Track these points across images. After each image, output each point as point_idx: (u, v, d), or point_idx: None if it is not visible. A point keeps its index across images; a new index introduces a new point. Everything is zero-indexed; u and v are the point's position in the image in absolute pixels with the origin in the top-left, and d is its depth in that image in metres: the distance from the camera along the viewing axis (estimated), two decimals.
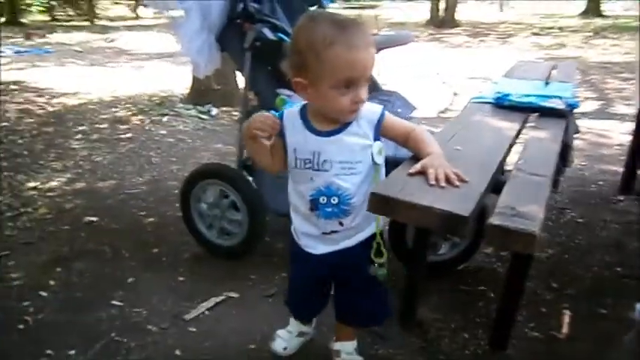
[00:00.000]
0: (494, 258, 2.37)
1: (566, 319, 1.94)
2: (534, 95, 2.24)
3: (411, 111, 2.34)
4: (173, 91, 6.05)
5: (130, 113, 5.22)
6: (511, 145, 1.82)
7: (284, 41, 2.07)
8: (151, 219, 2.83)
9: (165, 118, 4.98)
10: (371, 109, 1.33)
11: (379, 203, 1.27)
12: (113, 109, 5.42)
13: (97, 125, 4.83)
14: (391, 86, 2.71)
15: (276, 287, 2.13)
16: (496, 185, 1.45)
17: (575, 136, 2.30)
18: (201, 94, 5.31)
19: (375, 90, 2.41)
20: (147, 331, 1.90)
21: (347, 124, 1.30)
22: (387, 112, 1.36)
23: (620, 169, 3.23)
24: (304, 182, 1.35)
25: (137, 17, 21.04)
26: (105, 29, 15.84)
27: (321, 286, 1.58)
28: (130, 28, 16.05)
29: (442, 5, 17.06)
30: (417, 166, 1.34)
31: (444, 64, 8.50)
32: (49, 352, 1.79)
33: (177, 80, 6.56)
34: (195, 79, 5.29)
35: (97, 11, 21.51)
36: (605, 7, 19.17)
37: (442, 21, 16.28)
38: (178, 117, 5.01)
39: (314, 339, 1.82)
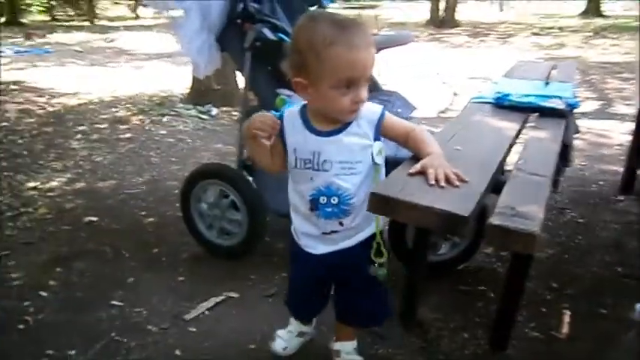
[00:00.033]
0: (495, 258, 2.37)
1: (566, 319, 1.94)
2: (534, 95, 2.24)
3: (411, 111, 2.34)
4: (173, 91, 6.05)
5: (130, 113, 5.22)
6: (511, 145, 1.82)
7: (284, 41, 2.07)
8: (151, 219, 2.83)
9: (165, 118, 4.98)
10: (371, 109, 1.33)
11: (379, 203, 1.27)
12: (113, 109, 5.43)
13: (97, 125, 4.83)
14: (391, 86, 2.71)
15: (276, 287, 2.13)
16: (496, 185, 1.45)
17: (575, 136, 2.30)
18: (201, 94, 5.31)
19: (375, 90, 2.41)
20: (147, 331, 1.90)
21: (347, 124, 1.30)
22: (387, 112, 1.36)
23: (621, 169, 3.23)
24: (304, 182, 1.35)
25: (137, 17, 21.06)
26: (105, 29, 15.86)
27: (321, 286, 1.58)
28: (129, 28, 16.06)
29: (442, 5, 17.06)
30: (417, 166, 1.34)
31: (444, 64, 8.50)
32: (49, 352, 1.79)
33: (177, 80, 6.56)
34: (195, 79, 5.29)
35: (97, 11, 21.56)
36: (605, 7, 19.17)
37: (442, 21, 16.29)
38: (178, 117, 5.01)
39: (314, 339, 1.81)
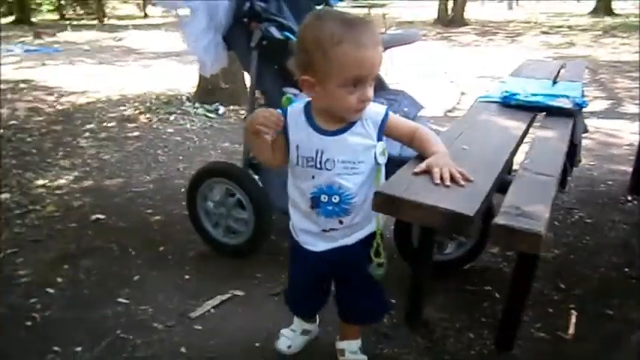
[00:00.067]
0: (501, 258, 2.36)
1: (573, 319, 1.92)
2: (542, 94, 2.23)
3: (419, 110, 2.33)
4: (181, 89, 6.07)
5: (137, 112, 5.24)
6: (518, 145, 1.81)
7: (290, 40, 2.07)
8: (158, 217, 2.84)
9: (172, 117, 4.99)
10: (375, 110, 1.33)
11: (384, 202, 1.27)
12: (121, 108, 5.45)
13: (105, 124, 4.86)
14: (399, 85, 2.70)
15: (282, 286, 2.12)
16: (502, 185, 1.44)
17: (583, 135, 2.29)
18: (208, 92, 5.32)
19: (382, 89, 2.41)
20: (153, 328, 1.91)
21: (351, 124, 1.30)
22: (391, 113, 1.35)
23: (630, 169, 3.20)
24: (305, 180, 1.35)
25: (145, 16, 21.15)
26: (113, 28, 15.94)
27: (320, 283, 1.58)
28: (138, 27, 16.12)
29: (450, 4, 16.99)
30: (422, 166, 1.34)
31: (452, 62, 8.47)
32: (55, 348, 1.80)
33: (185, 79, 6.58)
34: (202, 78, 5.30)
35: (106, 10, 21.63)
36: (616, 5, 19.00)
37: (451, 20, 16.23)
38: (186, 115, 5.02)
39: (319, 337, 1.82)
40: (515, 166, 1.87)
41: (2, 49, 9.66)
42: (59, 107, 5.55)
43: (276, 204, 2.22)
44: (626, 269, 2.27)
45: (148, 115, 5.08)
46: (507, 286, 1.67)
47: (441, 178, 1.28)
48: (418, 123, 1.48)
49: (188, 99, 5.52)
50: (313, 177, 1.33)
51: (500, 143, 1.74)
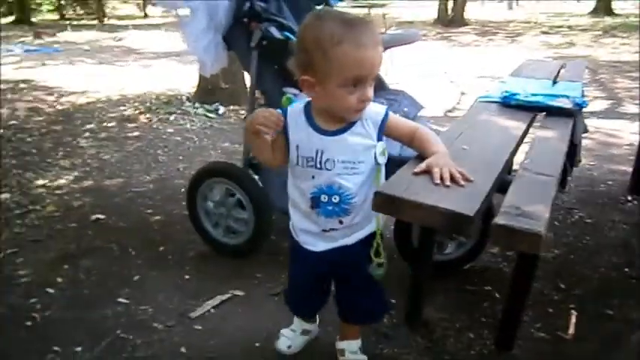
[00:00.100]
0: (501, 258, 2.36)
1: (573, 319, 1.92)
2: (542, 94, 2.23)
3: (418, 110, 2.33)
4: (181, 89, 6.07)
5: (137, 112, 5.24)
6: (518, 145, 1.81)
7: (290, 40, 2.07)
8: (158, 217, 2.84)
9: (172, 117, 4.99)
10: (375, 110, 1.32)
11: (384, 202, 1.27)
12: (121, 108, 5.45)
13: (105, 124, 4.86)
14: (399, 85, 2.70)
15: (282, 286, 2.12)
16: (502, 185, 1.44)
17: (583, 135, 2.29)
18: (208, 92, 5.32)
19: (382, 89, 2.41)
20: (152, 328, 1.91)
21: (351, 124, 1.30)
22: (390, 113, 1.35)
23: (630, 169, 3.20)
24: (305, 180, 1.35)
25: (145, 16, 21.15)
26: (113, 28, 15.94)
27: (320, 284, 1.58)
28: (138, 26, 16.12)
29: (450, 4, 16.99)
30: (422, 166, 1.34)
31: (452, 62, 8.47)
32: (55, 348, 1.80)
33: (185, 79, 6.58)
34: (202, 78, 5.30)
35: (106, 10, 21.63)
36: (616, 5, 19.00)
37: (451, 20, 16.22)
38: (186, 115, 5.02)
39: (319, 337, 1.82)
40: (515, 166, 1.87)
41: (2, 49, 9.67)
42: (59, 107, 5.55)
43: (276, 204, 2.22)
44: (626, 269, 2.27)
45: (148, 115, 5.08)
46: (507, 286, 1.67)
47: (441, 178, 1.28)
48: (418, 123, 1.48)
49: (188, 99, 5.52)
50: (313, 177, 1.33)
51: (500, 143, 1.74)
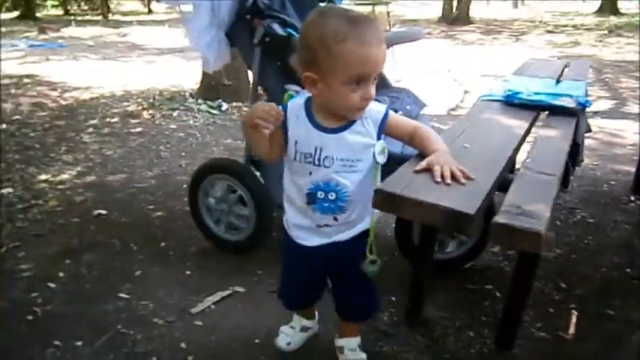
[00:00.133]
0: (502, 257, 2.36)
1: (574, 319, 1.92)
2: (545, 93, 2.22)
3: (421, 108, 2.33)
4: (184, 86, 6.07)
5: (140, 108, 5.24)
6: (520, 144, 1.81)
7: (293, 37, 2.06)
8: (160, 213, 2.85)
9: (175, 113, 4.99)
10: (375, 108, 1.32)
11: (385, 200, 1.27)
12: (124, 104, 5.46)
13: (109, 119, 4.86)
14: (402, 83, 2.70)
15: None
16: (504, 183, 1.44)
17: (587, 135, 2.28)
18: (211, 89, 5.32)
19: (385, 87, 2.40)
20: (153, 324, 1.91)
21: (351, 122, 1.29)
22: (391, 111, 1.35)
23: (633, 169, 3.19)
24: (303, 175, 1.35)
25: (150, 12, 21.18)
26: (118, 24, 15.95)
27: (315, 279, 1.58)
28: (142, 22, 16.14)
29: (455, 2, 16.93)
30: (423, 164, 1.33)
31: (456, 61, 8.44)
32: (56, 342, 1.81)
33: (188, 75, 6.58)
34: (205, 74, 5.30)
35: (111, 6, 21.67)
36: (621, 5, 18.91)
37: (455, 18, 16.17)
38: (188, 112, 5.02)
39: (318, 335, 1.82)
40: (518, 165, 1.86)
41: (7, 44, 9.69)
42: (63, 102, 5.56)
43: (277, 200, 2.21)
44: (628, 269, 2.26)
45: (151, 111, 5.08)
46: (508, 285, 1.67)
47: (442, 176, 1.28)
48: (420, 121, 1.48)
49: (191, 95, 5.53)
50: (310, 173, 1.32)
51: (503, 142, 1.74)
